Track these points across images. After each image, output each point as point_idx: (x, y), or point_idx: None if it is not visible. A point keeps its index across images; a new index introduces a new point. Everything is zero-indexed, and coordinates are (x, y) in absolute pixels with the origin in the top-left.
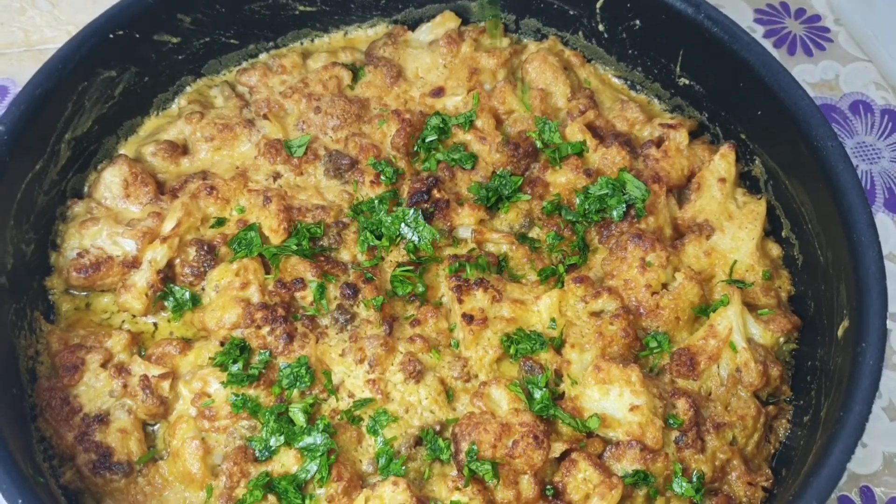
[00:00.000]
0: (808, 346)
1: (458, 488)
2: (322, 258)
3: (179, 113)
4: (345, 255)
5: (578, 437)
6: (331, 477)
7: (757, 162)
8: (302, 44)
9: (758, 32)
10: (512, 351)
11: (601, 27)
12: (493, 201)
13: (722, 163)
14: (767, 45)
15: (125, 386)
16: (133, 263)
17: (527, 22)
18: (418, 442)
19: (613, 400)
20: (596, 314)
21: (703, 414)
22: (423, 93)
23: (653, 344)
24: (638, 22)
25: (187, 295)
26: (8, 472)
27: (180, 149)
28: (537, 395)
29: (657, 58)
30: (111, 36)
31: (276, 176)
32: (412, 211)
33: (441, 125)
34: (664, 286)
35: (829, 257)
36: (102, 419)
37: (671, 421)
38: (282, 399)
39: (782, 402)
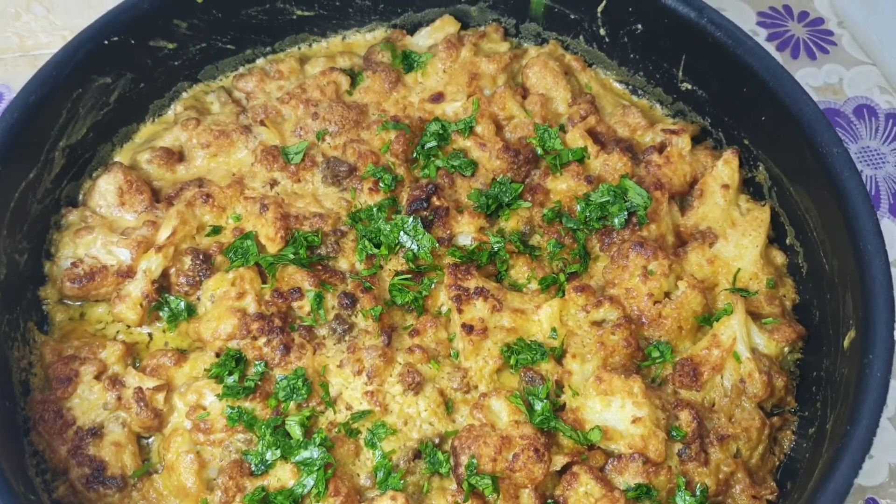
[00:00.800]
0: (814, 356)
1: (457, 503)
2: (320, 267)
3: (175, 119)
4: (343, 264)
5: (580, 450)
6: (328, 491)
7: (761, 168)
8: (300, 49)
9: (760, 36)
10: (512, 361)
11: (602, 31)
12: (493, 209)
13: (725, 169)
14: (770, 48)
15: (119, 398)
16: (128, 273)
17: (527, 26)
18: (417, 455)
19: (615, 411)
20: (597, 323)
21: (707, 426)
22: (423, 98)
23: (655, 354)
24: (640, 26)
25: (182, 305)
26: None
27: (176, 156)
28: (538, 406)
29: (659, 62)
30: (106, 42)
31: (273, 183)
32: (411, 219)
33: (440, 131)
34: (666, 295)
35: (835, 265)
36: (96, 432)
37: (674, 433)
38: (278, 412)
39: (787, 414)
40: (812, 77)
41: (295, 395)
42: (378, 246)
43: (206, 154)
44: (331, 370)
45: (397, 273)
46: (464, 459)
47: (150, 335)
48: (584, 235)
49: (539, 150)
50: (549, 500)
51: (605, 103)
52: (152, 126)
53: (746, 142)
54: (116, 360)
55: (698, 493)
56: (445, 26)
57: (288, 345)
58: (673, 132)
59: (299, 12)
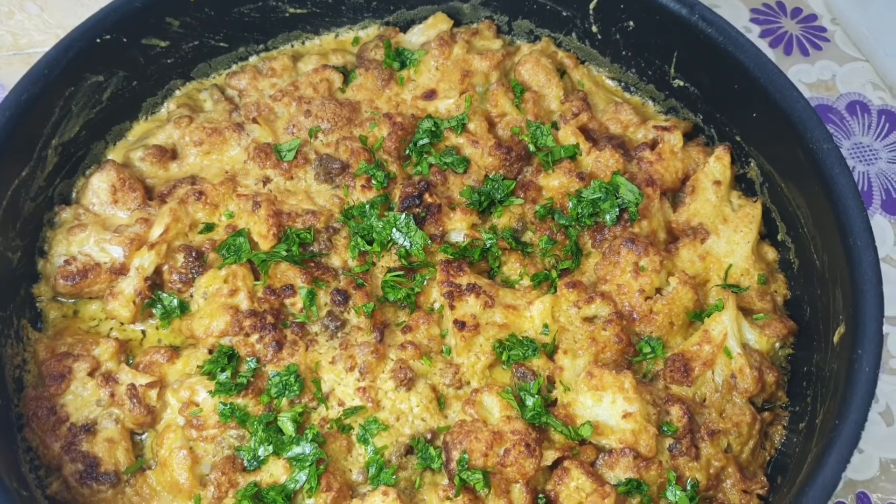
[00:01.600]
0: (804, 352)
1: (449, 498)
2: (312, 264)
3: (168, 117)
4: (335, 261)
5: (571, 445)
6: (320, 487)
7: (752, 164)
8: (292, 46)
9: (754, 32)
10: (504, 357)
11: (594, 28)
12: (485, 205)
13: (717, 165)
14: (763, 45)
15: (112, 395)
16: (121, 270)
17: (519, 23)
18: (409, 450)
19: (606, 407)
20: (589, 319)
21: (698, 421)
22: (415, 95)
23: (646, 349)
24: (631, 23)
25: (175, 302)
26: None
27: (169, 153)
28: (529, 402)
29: (651, 59)
30: (98, 40)
31: (266, 180)
32: (404, 216)
33: (433, 128)
34: (658, 291)
35: (825, 261)
36: (89, 429)
37: (665, 428)
38: (270, 408)
39: (778, 409)
40: (805, 73)
41: (287, 392)
42: (370, 243)
43: (199, 152)
44: (323, 366)
45: (390, 270)
46: (455, 454)
47: (143, 332)
48: (576, 232)
49: (531, 147)
50: (541, 495)
51: (597, 100)
52: (145, 124)
53: (738, 138)
54: (110, 357)
55: (689, 487)
56: (438, 24)
57: (280, 341)
58: (665, 129)
59: (292, 10)
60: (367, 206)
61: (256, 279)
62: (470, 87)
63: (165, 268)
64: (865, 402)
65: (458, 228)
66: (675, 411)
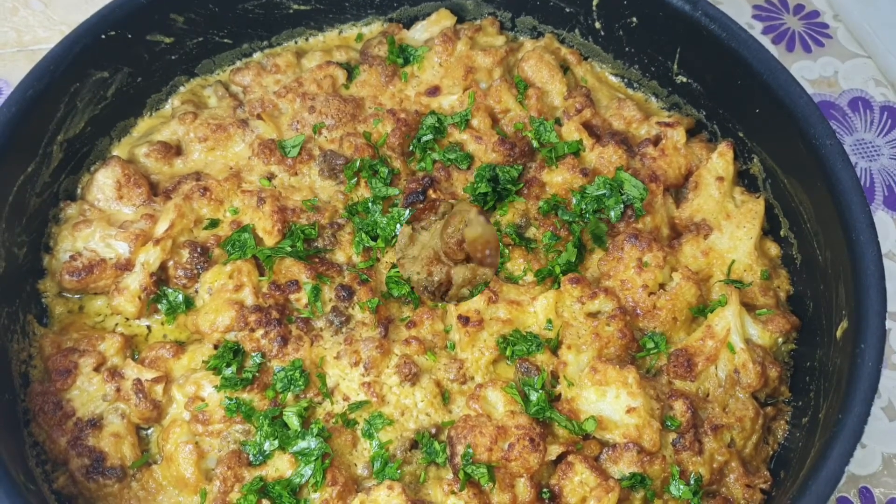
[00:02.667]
0: (807, 347)
1: (453, 492)
2: (317, 260)
3: (173, 113)
4: (340, 257)
5: (575, 440)
6: (325, 481)
7: (755, 160)
8: (296, 42)
9: (756, 28)
10: (508, 352)
11: (598, 24)
12: (492, 203)
13: (720, 161)
14: (766, 41)
15: (118, 390)
16: (126, 266)
17: (523, 20)
18: (414, 445)
19: (610, 402)
20: (592, 315)
21: (701, 415)
22: (419, 92)
23: (650, 345)
24: (635, 19)
25: (180, 297)
26: None
27: (174, 149)
28: (533, 397)
29: (654, 55)
30: (103, 36)
31: (271, 176)
32: (408, 211)
33: (436, 124)
34: (661, 286)
35: (828, 257)
36: (95, 423)
37: (668, 423)
38: (276, 403)
39: (781, 404)
40: (807, 70)
41: (292, 387)
42: (375, 238)
43: (204, 148)
44: (328, 361)
45: (394, 265)
46: (460, 449)
47: (148, 327)
48: (580, 228)
49: (535, 143)
50: (545, 489)
51: (600, 96)
52: (150, 120)
53: (741, 134)
54: (115, 352)
55: (692, 482)
56: (441, 20)
57: (285, 336)
58: (668, 125)
59: (296, 6)
60: (371, 202)
61: (261, 275)
62: (473, 83)
63: (171, 263)
64: (868, 396)
65: None
66: (679, 406)
